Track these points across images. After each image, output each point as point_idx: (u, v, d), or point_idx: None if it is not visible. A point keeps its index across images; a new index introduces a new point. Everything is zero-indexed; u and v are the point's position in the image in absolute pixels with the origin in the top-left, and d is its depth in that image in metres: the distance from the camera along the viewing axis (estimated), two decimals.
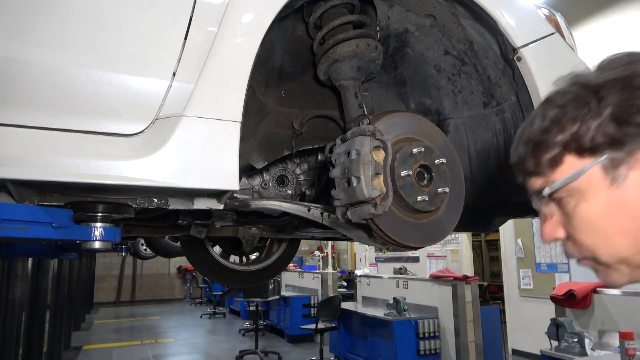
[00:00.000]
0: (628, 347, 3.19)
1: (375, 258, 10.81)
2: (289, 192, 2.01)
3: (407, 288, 6.13)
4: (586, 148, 0.64)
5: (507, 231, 7.57)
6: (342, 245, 14.65)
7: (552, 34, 1.61)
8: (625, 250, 0.64)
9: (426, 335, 5.42)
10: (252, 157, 1.73)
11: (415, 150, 1.35)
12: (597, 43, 6.53)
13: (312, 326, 6.45)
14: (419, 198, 1.33)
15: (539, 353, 4.12)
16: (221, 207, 1.29)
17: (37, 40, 1.06)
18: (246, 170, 1.85)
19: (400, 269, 8.93)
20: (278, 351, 7.20)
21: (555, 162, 0.67)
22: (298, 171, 2.06)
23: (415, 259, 9.57)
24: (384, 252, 10.17)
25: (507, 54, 1.54)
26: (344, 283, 10.60)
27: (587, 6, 6.81)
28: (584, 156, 0.65)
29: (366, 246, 9.47)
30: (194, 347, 8.33)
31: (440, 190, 1.38)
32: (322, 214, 1.51)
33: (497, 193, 1.77)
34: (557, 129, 0.66)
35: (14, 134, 1.02)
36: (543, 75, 1.51)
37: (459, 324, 5.23)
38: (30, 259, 4.50)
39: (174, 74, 1.15)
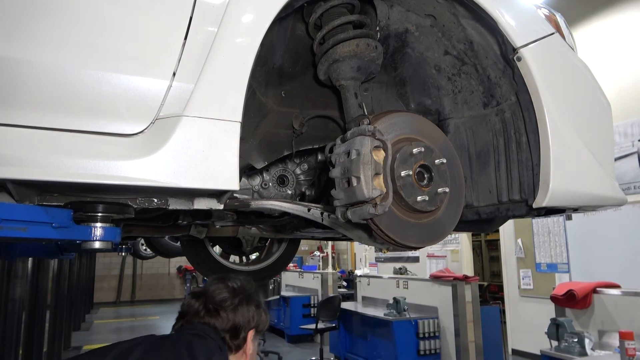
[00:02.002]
0: (628, 347, 3.19)
1: (375, 258, 10.81)
2: (289, 192, 2.01)
3: (407, 288, 6.13)
4: None
5: (507, 231, 7.57)
6: (342, 245, 14.64)
7: (552, 34, 1.61)
8: None
9: (426, 335, 5.42)
10: (252, 157, 1.73)
11: (415, 150, 1.35)
12: (597, 43, 6.54)
13: (312, 326, 6.45)
14: (419, 198, 1.33)
15: (539, 353, 4.12)
16: (221, 207, 1.29)
17: (38, 40, 1.06)
18: (246, 170, 1.85)
19: (400, 269, 8.93)
20: (278, 351, 7.19)
21: None
22: (298, 171, 2.06)
23: (415, 259, 9.58)
24: (384, 252, 10.17)
25: (507, 54, 1.54)
26: (344, 283, 10.60)
27: (587, 6, 6.82)
28: None
29: (366, 246, 9.47)
30: None
31: (440, 190, 1.38)
32: (322, 214, 1.51)
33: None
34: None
35: (14, 134, 1.02)
36: (543, 75, 1.51)
37: (459, 324, 5.23)
38: (30, 259, 4.50)
39: (174, 74, 1.15)
